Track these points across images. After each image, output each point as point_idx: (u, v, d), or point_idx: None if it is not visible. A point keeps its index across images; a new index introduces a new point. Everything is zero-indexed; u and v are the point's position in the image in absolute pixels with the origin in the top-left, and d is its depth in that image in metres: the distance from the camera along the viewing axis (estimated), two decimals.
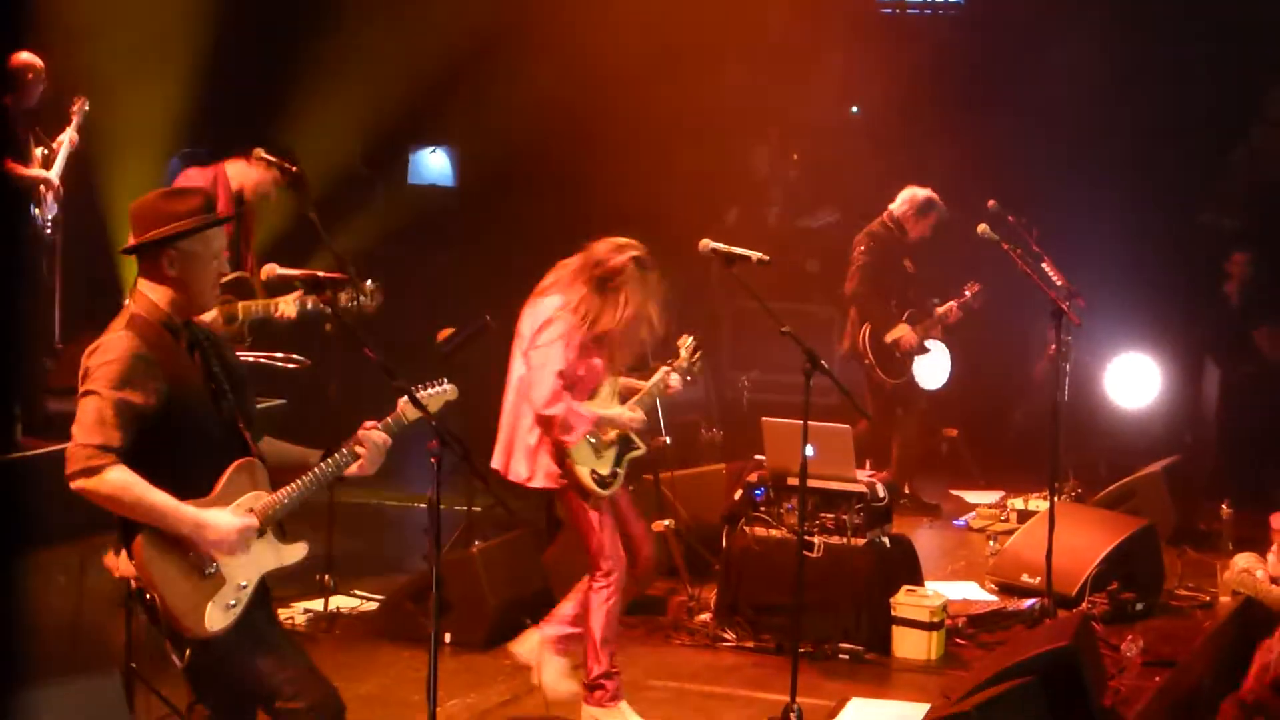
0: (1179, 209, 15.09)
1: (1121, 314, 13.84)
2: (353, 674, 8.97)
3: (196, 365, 5.91)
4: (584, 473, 8.16)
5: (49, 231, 12.36)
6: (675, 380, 8.63)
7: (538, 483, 8.26)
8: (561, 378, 8.05)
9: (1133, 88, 14.50)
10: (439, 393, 6.40)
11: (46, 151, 12.29)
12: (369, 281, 9.82)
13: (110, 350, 5.71)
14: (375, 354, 6.06)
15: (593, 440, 8.23)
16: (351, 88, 14.81)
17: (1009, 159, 14.79)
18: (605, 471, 8.25)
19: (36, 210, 12.17)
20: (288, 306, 9.74)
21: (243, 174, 9.82)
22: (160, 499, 5.63)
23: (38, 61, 12.24)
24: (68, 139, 12.28)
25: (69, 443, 5.65)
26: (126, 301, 5.91)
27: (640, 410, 8.41)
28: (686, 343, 8.73)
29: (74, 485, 5.63)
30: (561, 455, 8.15)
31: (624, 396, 8.48)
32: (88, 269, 13.48)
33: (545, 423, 8.10)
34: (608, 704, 8.34)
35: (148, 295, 5.86)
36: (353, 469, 6.10)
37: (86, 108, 12.40)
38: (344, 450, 6.06)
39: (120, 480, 5.59)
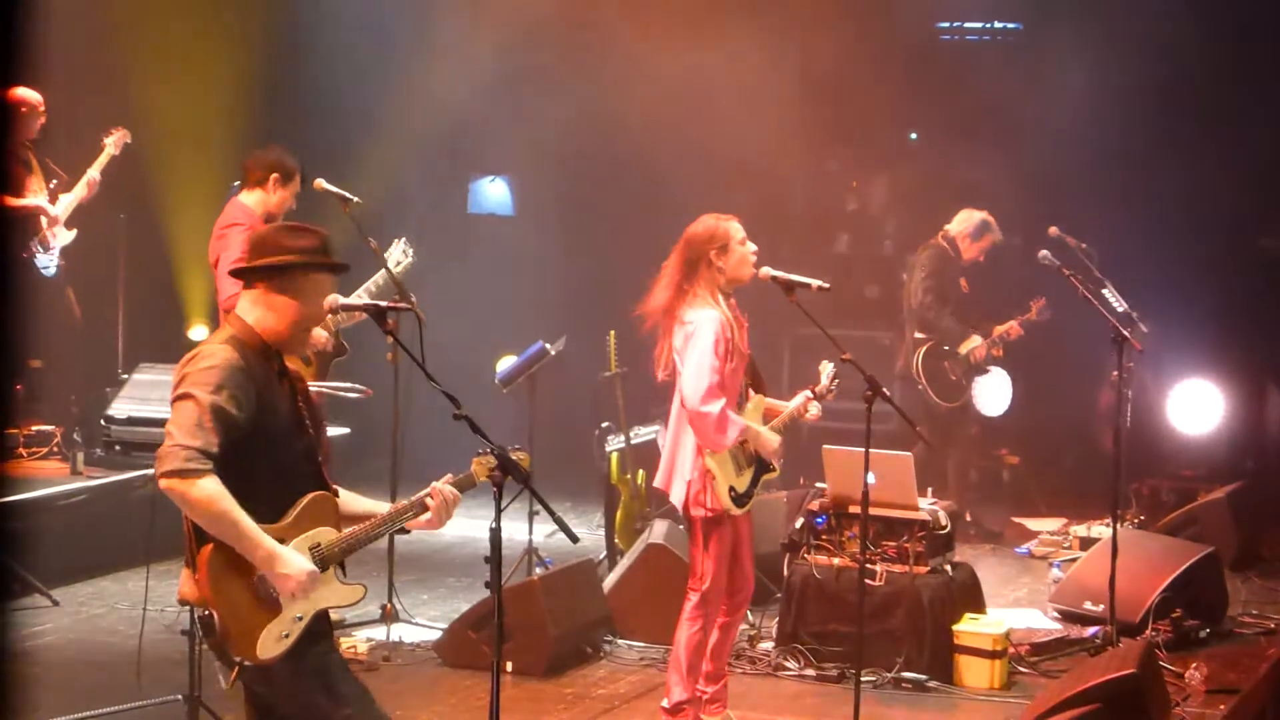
0: (1241, 233, 15.00)
1: (1184, 340, 13.78)
2: (414, 703, 8.98)
3: (285, 392, 5.95)
4: (723, 488, 8.16)
5: (49, 267, 12.31)
6: (815, 408, 8.58)
7: (692, 511, 8.29)
8: (717, 374, 8.05)
9: (1194, 110, 14.44)
10: (519, 459, 6.41)
11: (57, 181, 12.34)
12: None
13: (209, 357, 5.73)
14: (457, 403, 6.02)
15: (736, 455, 8.25)
16: (412, 117, 14.87)
17: (1069, 184, 14.74)
18: (742, 489, 8.25)
19: (33, 242, 12.17)
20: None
21: (263, 201, 9.79)
22: (243, 519, 5.61)
23: (31, 95, 12.32)
24: (86, 179, 12.29)
25: (164, 443, 5.61)
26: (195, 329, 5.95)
27: (778, 434, 8.43)
28: (827, 369, 8.65)
29: (164, 484, 5.59)
30: (706, 480, 8.16)
31: (766, 418, 8.50)
32: (148, 299, 13.57)
33: (699, 420, 8.08)
34: None
35: (245, 319, 5.90)
36: (418, 522, 6.10)
37: (128, 140, 12.44)
38: (412, 501, 6.07)
39: (212, 490, 5.56)
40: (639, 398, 11.64)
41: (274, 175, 9.74)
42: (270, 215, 9.72)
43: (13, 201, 12.13)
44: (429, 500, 6.05)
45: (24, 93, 12.39)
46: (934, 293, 13.15)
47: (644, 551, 10.42)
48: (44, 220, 12.15)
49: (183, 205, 13.83)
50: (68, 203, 12.27)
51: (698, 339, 8.11)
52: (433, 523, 6.09)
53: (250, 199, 9.73)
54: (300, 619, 5.78)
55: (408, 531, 6.18)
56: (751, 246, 8.30)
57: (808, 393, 8.58)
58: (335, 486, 6.11)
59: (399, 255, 10.11)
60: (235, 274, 6.06)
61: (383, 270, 9.91)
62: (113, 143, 12.35)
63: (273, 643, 5.70)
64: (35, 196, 12.18)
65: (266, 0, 14.39)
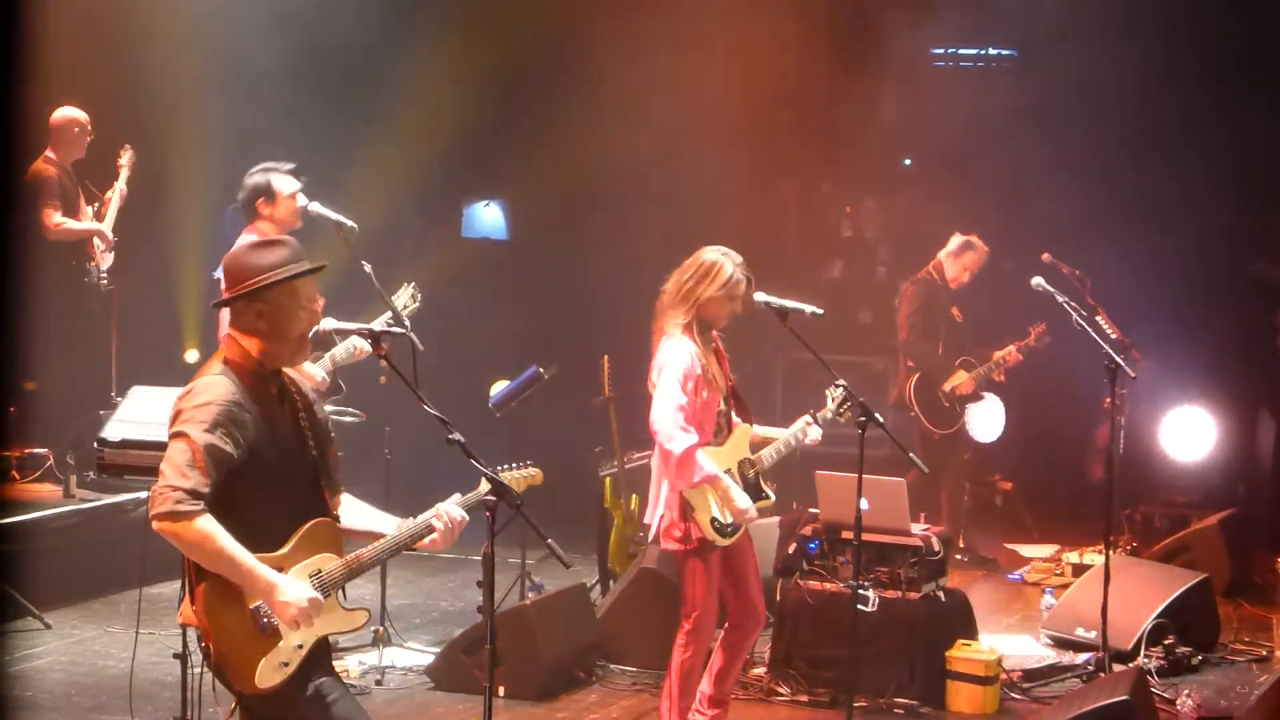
0: (1233, 260, 15.01)
1: (1176, 366, 13.78)
2: None
3: (286, 415, 5.94)
4: (704, 520, 8.07)
5: (104, 283, 12.49)
6: (815, 433, 8.49)
7: (663, 544, 8.25)
8: (682, 411, 8.01)
9: (1184, 139, 14.46)
10: (526, 475, 6.41)
11: (99, 205, 12.42)
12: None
13: (204, 393, 5.73)
14: (451, 427, 6.03)
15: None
16: (407, 141, 14.87)
17: (1062, 211, 14.76)
18: (726, 520, 8.15)
19: (91, 263, 12.32)
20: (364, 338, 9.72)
21: (269, 226, 9.65)
22: (240, 554, 5.62)
23: (81, 115, 12.37)
24: (118, 192, 12.42)
25: (156, 483, 5.63)
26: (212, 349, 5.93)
27: (753, 506, 8.21)
28: (835, 393, 8.51)
29: (157, 526, 5.62)
30: (685, 510, 8.10)
31: (757, 446, 8.45)
32: (143, 322, 13.56)
33: (663, 456, 8.05)
34: None
35: (239, 343, 5.89)
36: (425, 542, 6.07)
37: (133, 159, 12.54)
38: (419, 520, 6.06)
39: (206, 529, 5.58)
40: (632, 422, 11.64)
41: (259, 200, 9.62)
42: (285, 230, 9.59)
43: (73, 226, 12.21)
44: (435, 523, 6.04)
45: (73, 113, 12.43)
46: (919, 329, 13.21)
47: (636, 576, 10.41)
48: (98, 242, 12.24)
49: (177, 228, 13.83)
50: (109, 223, 12.38)
51: (664, 375, 8.09)
52: (438, 543, 6.08)
53: (262, 226, 9.59)
54: (301, 647, 5.79)
55: (413, 550, 6.17)
56: (738, 293, 8.24)
57: (808, 417, 8.53)
58: (343, 496, 6.14)
59: (406, 299, 10.02)
60: (219, 305, 6.05)
61: (384, 315, 9.84)
62: (126, 161, 12.44)
63: (271, 671, 5.70)
64: (86, 220, 12.28)
65: (264, 23, 14.37)
